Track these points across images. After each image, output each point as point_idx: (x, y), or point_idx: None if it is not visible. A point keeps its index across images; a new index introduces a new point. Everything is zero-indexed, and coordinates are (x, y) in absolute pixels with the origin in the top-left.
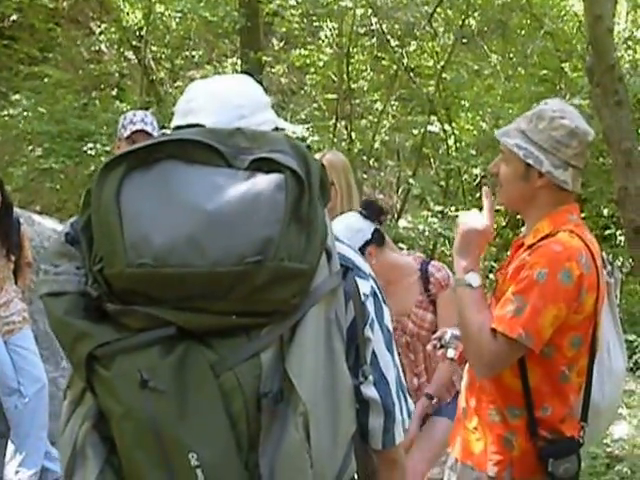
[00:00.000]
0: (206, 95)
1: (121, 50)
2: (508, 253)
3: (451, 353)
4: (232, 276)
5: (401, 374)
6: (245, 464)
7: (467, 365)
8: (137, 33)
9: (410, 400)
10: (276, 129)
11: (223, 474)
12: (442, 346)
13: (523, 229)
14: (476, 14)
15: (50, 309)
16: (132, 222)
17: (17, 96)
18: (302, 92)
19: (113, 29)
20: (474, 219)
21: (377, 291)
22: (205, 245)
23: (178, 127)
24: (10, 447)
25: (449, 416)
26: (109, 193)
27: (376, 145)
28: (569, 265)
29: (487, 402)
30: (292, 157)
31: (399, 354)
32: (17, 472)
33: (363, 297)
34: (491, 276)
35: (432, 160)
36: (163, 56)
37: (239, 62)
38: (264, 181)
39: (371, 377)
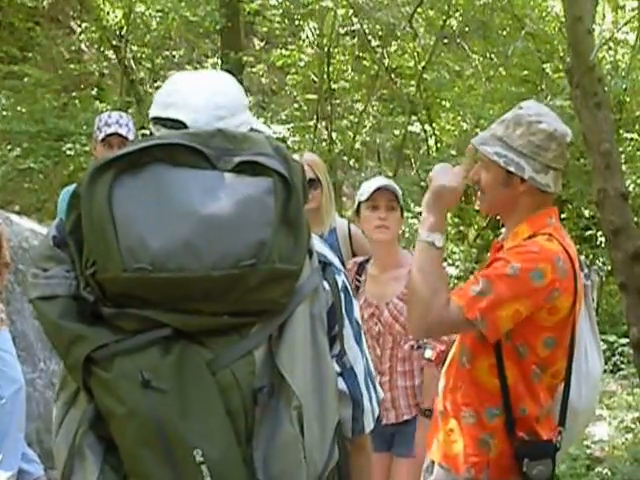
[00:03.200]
0: (189, 91)
1: (101, 49)
2: (489, 255)
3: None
4: (228, 279)
5: (370, 364)
6: (242, 458)
7: (444, 368)
8: (117, 32)
9: (379, 389)
10: (251, 130)
11: (227, 469)
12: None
13: (503, 230)
14: (457, 14)
15: (43, 313)
16: (126, 226)
17: None
18: (283, 92)
19: (93, 28)
20: (447, 176)
21: (347, 285)
22: (202, 249)
23: (157, 118)
24: None
25: None
26: (101, 197)
27: (357, 145)
28: (543, 266)
29: (462, 404)
30: (277, 160)
31: (368, 347)
32: None
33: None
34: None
35: (413, 160)
36: (143, 56)
37: (219, 62)
38: (254, 185)
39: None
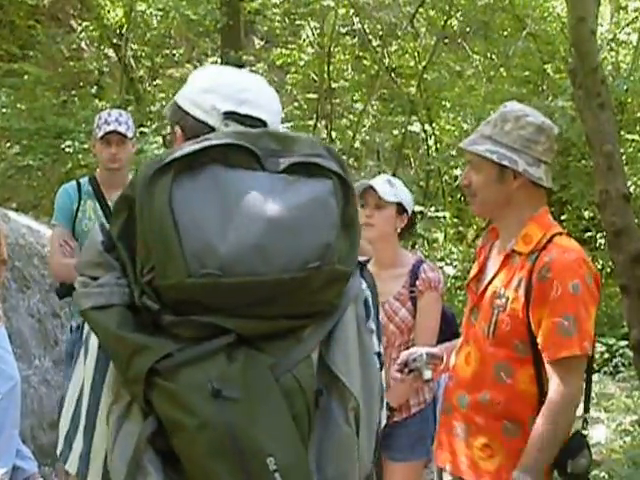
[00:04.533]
0: (257, 90)
1: (101, 48)
2: (476, 260)
3: (428, 375)
4: (295, 282)
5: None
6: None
7: (451, 383)
8: (117, 31)
9: None
10: None
11: (298, 475)
12: (411, 370)
13: (482, 235)
14: (458, 15)
15: (99, 323)
16: (190, 231)
17: None
18: (283, 91)
19: (93, 27)
20: None
21: (374, 285)
22: (271, 252)
23: (233, 113)
24: None
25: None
26: (161, 200)
27: (356, 145)
28: (587, 267)
29: (503, 418)
30: (332, 161)
31: None
32: None
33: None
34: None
35: (412, 160)
36: (143, 54)
37: (219, 61)
38: (315, 186)
39: None
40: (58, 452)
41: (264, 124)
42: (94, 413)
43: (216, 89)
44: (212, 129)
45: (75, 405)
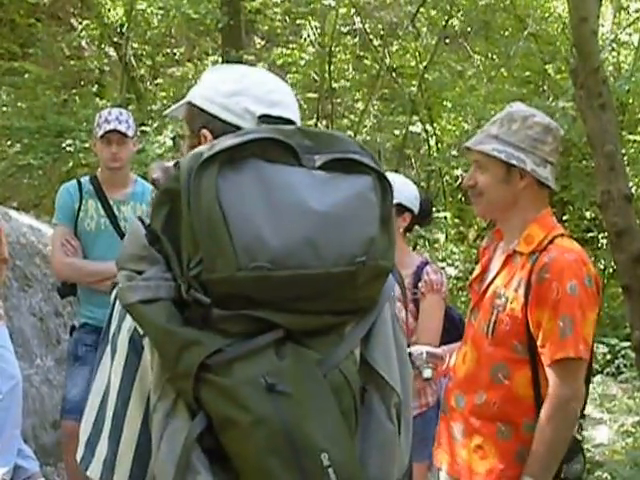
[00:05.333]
0: (282, 90)
1: (102, 46)
2: (479, 261)
3: (428, 373)
4: (344, 276)
5: None
6: None
7: (450, 384)
8: (118, 30)
9: None
10: None
11: (350, 471)
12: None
13: (487, 236)
14: (459, 14)
15: (147, 318)
16: (240, 224)
17: None
18: None
19: (94, 25)
20: None
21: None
22: (320, 246)
23: (267, 116)
24: None
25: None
26: (209, 193)
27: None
28: (586, 269)
29: (497, 420)
30: (368, 157)
31: None
32: None
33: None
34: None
35: (413, 161)
36: (144, 53)
37: (220, 60)
38: (356, 182)
39: None
40: (78, 458)
41: (294, 124)
42: (121, 416)
43: (244, 91)
44: None
45: (98, 409)
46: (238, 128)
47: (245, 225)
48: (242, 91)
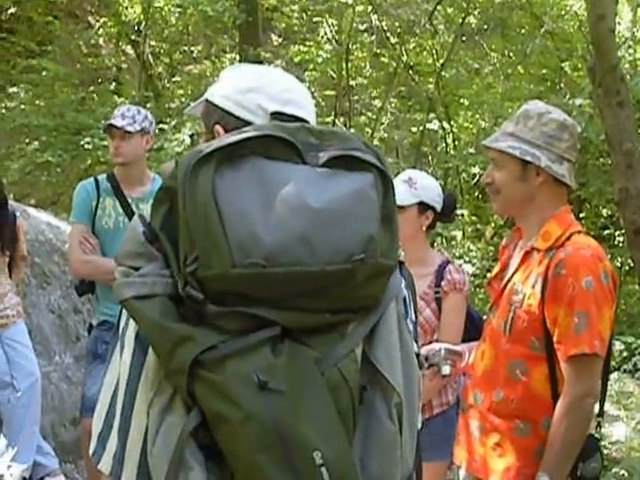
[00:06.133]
0: (298, 90)
1: (119, 44)
2: (499, 259)
3: (446, 370)
4: (340, 274)
5: None
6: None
7: (470, 381)
8: (136, 27)
9: None
10: None
11: (344, 470)
12: (431, 365)
13: (507, 233)
14: (476, 12)
15: (141, 313)
16: (235, 221)
17: (14, 89)
18: None
19: (111, 23)
20: None
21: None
22: (316, 243)
23: (280, 114)
24: (2, 441)
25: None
26: (205, 191)
27: (374, 142)
28: (602, 265)
29: (515, 417)
30: (371, 155)
31: None
32: (9, 467)
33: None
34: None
35: (430, 158)
36: (161, 51)
37: (237, 58)
38: (356, 179)
39: None
40: (91, 452)
41: (307, 123)
42: (129, 411)
43: (260, 89)
44: None
45: (109, 404)
46: (250, 124)
47: (240, 222)
48: (257, 88)
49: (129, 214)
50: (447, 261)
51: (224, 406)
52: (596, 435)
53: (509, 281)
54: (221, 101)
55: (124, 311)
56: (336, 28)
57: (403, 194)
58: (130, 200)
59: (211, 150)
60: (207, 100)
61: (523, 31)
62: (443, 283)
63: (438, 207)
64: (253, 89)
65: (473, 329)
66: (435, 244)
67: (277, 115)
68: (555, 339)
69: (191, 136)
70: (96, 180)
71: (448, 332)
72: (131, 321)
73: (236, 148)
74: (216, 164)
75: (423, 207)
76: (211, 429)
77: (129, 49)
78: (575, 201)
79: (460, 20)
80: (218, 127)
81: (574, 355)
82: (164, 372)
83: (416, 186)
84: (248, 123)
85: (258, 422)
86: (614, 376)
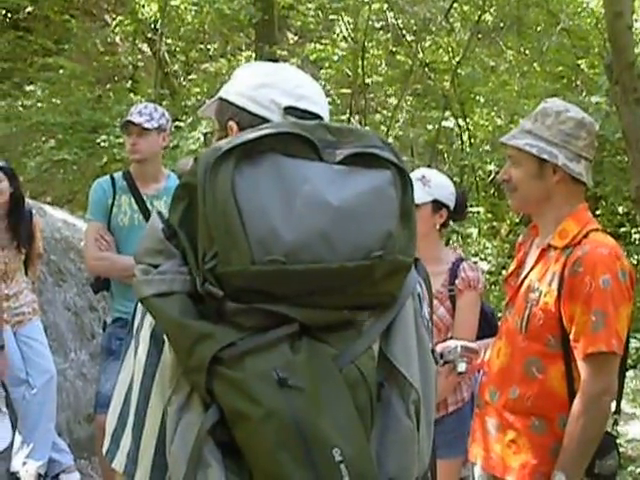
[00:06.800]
0: (311, 86)
1: (135, 42)
2: (515, 256)
3: (462, 367)
4: (359, 271)
5: None
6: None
7: (485, 378)
8: (152, 25)
9: None
10: None
11: (363, 467)
12: (446, 362)
13: (523, 230)
14: (492, 10)
15: (161, 311)
16: (255, 218)
17: (31, 87)
18: None
19: (128, 21)
20: None
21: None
22: (336, 240)
23: (293, 108)
24: (18, 438)
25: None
26: (224, 187)
27: (390, 140)
28: (620, 263)
29: (530, 414)
30: (389, 152)
31: None
32: (24, 463)
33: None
34: (504, 273)
35: (446, 156)
36: (178, 49)
37: (253, 55)
38: (375, 176)
39: None
40: (104, 450)
41: (321, 119)
42: (143, 409)
43: (273, 84)
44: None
45: (123, 401)
46: (264, 119)
47: (260, 219)
48: (270, 84)
49: (144, 211)
50: (461, 259)
51: (244, 403)
52: (613, 433)
53: (525, 278)
54: (234, 98)
55: (138, 309)
56: (352, 26)
57: (417, 192)
58: (145, 197)
59: (230, 147)
60: (220, 98)
61: (539, 28)
62: (457, 281)
63: (451, 205)
64: (266, 85)
65: (487, 326)
66: (451, 242)
67: (290, 110)
68: (572, 337)
69: (205, 135)
70: (112, 178)
71: (463, 330)
72: (146, 319)
73: (255, 145)
74: (235, 161)
75: (437, 205)
76: (230, 426)
77: (145, 47)
78: (591, 199)
79: (476, 18)
80: (232, 123)
81: (591, 353)
82: (183, 370)
83: (430, 184)
84: (262, 118)
85: (278, 419)
86: (630, 374)
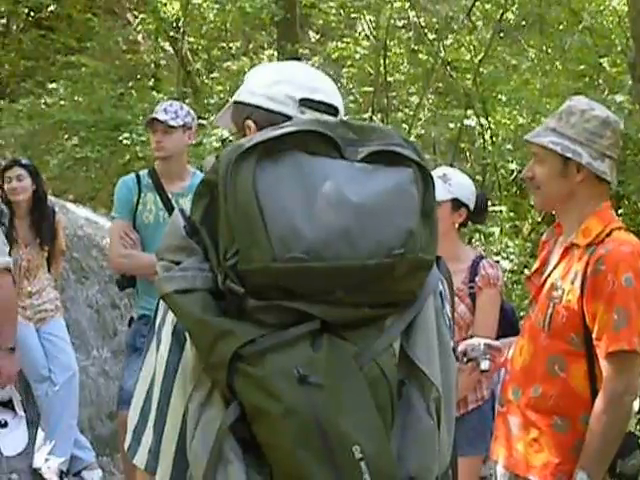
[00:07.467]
0: (324, 80)
1: (158, 41)
2: (540, 254)
3: (485, 365)
4: (381, 268)
5: None
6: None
7: (507, 376)
8: (174, 24)
9: None
10: None
11: (383, 464)
12: (469, 359)
13: (546, 229)
14: (514, 8)
15: (182, 308)
16: (276, 215)
17: (54, 85)
18: (338, 85)
19: (150, 20)
20: None
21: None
22: (356, 238)
23: (308, 100)
24: (40, 435)
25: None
26: (246, 185)
27: (412, 139)
28: None
29: (552, 413)
30: (410, 150)
31: None
32: (47, 460)
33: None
34: (526, 271)
35: (468, 154)
36: (200, 47)
37: (275, 54)
38: (396, 174)
39: None
40: (126, 446)
41: (336, 110)
42: (165, 405)
43: (286, 80)
44: (288, 118)
45: (145, 398)
46: (281, 115)
47: (281, 216)
48: (284, 80)
49: (169, 209)
50: (481, 256)
51: (264, 400)
52: (636, 432)
53: (549, 277)
54: (249, 97)
55: (160, 306)
56: (374, 24)
57: (437, 190)
58: (170, 195)
59: (252, 144)
60: (234, 102)
61: (561, 27)
62: (477, 278)
63: (471, 205)
64: (280, 81)
65: (507, 324)
66: (473, 240)
67: (306, 102)
68: (594, 335)
69: (223, 141)
70: (137, 176)
71: (483, 328)
72: (168, 316)
73: (276, 143)
74: (257, 158)
75: (456, 204)
76: (250, 423)
77: (167, 45)
78: (613, 197)
79: (498, 16)
80: (249, 122)
81: (613, 352)
82: (204, 366)
83: (450, 182)
84: (278, 114)
85: (298, 416)
86: None
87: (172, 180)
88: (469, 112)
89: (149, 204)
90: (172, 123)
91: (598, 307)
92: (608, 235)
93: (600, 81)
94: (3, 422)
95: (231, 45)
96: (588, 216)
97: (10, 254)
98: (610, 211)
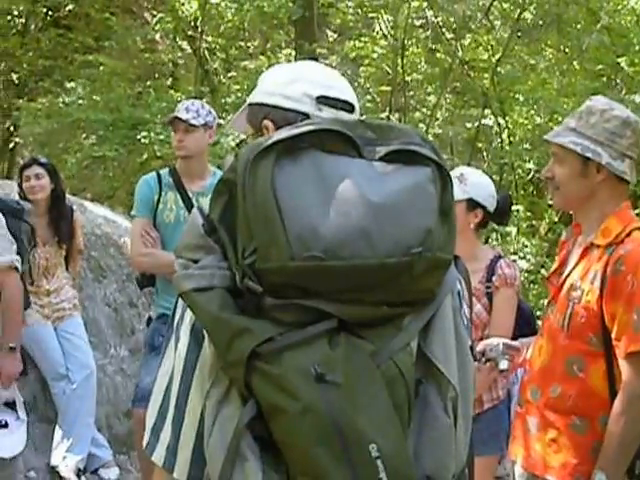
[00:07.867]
0: (338, 77)
1: (175, 40)
2: (559, 253)
3: (504, 364)
4: (399, 267)
5: None
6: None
7: (527, 376)
8: (192, 23)
9: None
10: None
11: (399, 463)
12: (488, 359)
13: (564, 229)
14: (532, 7)
15: (200, 306)
16: (294, 214)
17: (72, 84)
18: (356, 84)
19: (168, 19)
20: None
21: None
22: (375, 236)
23: (325, 97)
24: (57, 433)
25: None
26: (264, 183)
27: (429, 138)
28: None
29: (571, 414)
30: (429, 149)
31: None
32: (64, 458)
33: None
34: (543, 271)
35: (485, 154)
36: (218, 46)
37: (293, 53)
38: (415, 172)
39: None
40: (144, 443)
41: (352, 107)
42: (183, 403)
43: (302, 78)
44: (305, 116)
45: (163, 396)
46: (299, 113)
47: (299, 215)
48: (300, 78)
49: (190, 208)
50: (499, 256)
51: (281, 398)
52: None
53: (568, 277)
54: (265, 98)
55: (179, 304)
56: (391, 24)
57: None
58: (191, 194)
59: (270, 143)
60: (250, 104)
61: (579, 26)
62: (494, 278)
63: (489, 206)
64: (296, 80)
65: (524, 324)
66: (490, 240)
67: (322, 99)
68: (613, 336)
69: (238, 144)
70: (158, 174)
71: (500, 327)
72: (186, 314)
73: (295, 142)
74: (275, 157)
75: (471, 204)
76: (267, 421)
77: (185, 45)
78: (631, 197)
79: (516, 15)
80: (266, 122)
81: (633, 352)
82: (221, 364)
83: (466, 182)
84: (295, 112)
85: (315, 414)
86: None
87: (193, 179)
88: (486, 112)
89: (170, 203)
90: (194, 122)
91: (617, 307)
92: (628, 235)
93: (618, 80)
94: (4, 422)
95: (249, 44)
96: (608, 216)
97: (29, 252)
98: (630, 211)
